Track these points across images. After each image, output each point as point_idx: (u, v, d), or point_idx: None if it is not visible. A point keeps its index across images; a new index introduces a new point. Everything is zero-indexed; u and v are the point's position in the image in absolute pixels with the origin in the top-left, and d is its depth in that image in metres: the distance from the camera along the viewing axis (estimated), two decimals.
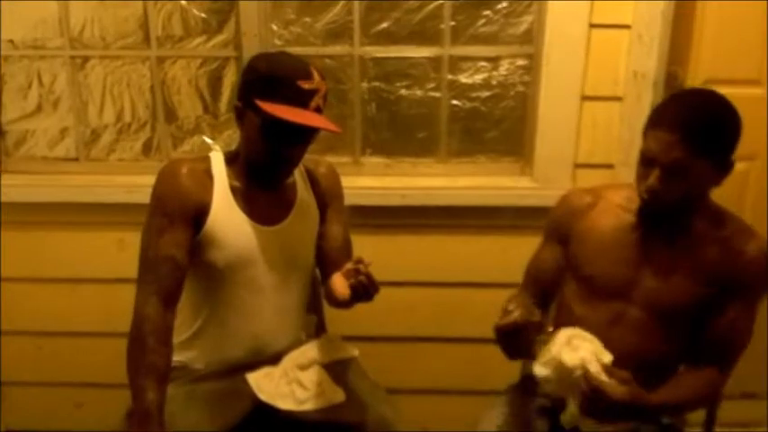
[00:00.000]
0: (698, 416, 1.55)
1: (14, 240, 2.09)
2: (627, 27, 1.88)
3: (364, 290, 1.26)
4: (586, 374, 1.24)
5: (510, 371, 1.58)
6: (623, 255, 1.41)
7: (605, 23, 1.88)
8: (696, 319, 1.38)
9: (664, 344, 1.40)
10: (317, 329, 1.73)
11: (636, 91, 1.91)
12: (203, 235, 1.41)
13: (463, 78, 2.03)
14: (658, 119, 1.29)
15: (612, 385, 1.23)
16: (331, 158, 1.74)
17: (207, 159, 1.47)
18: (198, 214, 1.40)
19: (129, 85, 2.07)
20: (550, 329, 1.30)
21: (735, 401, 1.79)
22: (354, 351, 1.57)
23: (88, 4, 1.99)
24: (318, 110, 1.37)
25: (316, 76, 1.36)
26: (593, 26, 1.88)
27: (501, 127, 2.07)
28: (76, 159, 2.13)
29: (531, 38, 1.97)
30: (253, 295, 1.48)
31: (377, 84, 2.05)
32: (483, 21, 1.98)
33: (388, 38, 2.00)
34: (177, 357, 1.43)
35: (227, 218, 1.43)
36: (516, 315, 1.22)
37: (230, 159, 1.48)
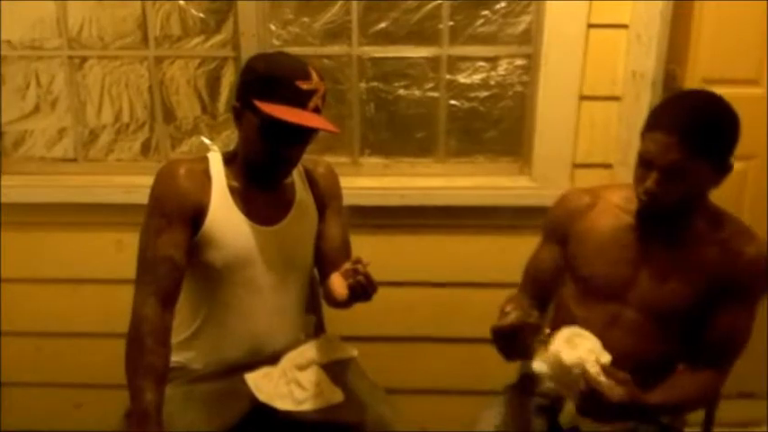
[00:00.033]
0: (697, 416, 1.55)
1: (13, 241, 2.09)
2: (625, 27, 1.88)
3: (362, 290, 1.26)
4: (585, 375, 1.24)
5: (509, 371, 1.58)
6: (622, 255, 1.41)
7: (603, 23, 1.88)
8: (694, 320, 1.38)
9: (661, 345, 1.40)
10: (316, 330, 1.73)
11: (634, 91, 1.91)
12: (201, 235, 1.41)
13: (461, 78, 2.03)
14: (656, 121, 1.28)
15: (610, 386, 1.23)
16: (330, 159, 1.74)
17: (205, 160, 1.47)
18: (196, 215, 1.40)
19: (127, 86, 2.07)
20: (547, 331, 1.30)
21: (733, 401, 1.80)
22: (353, 351, 1.57)
23: (86, 4, 1.99)
24: (317, 110, 1.37)
25: (314, 76, 1.36)
26: (591, 26, 1.88)
27: (499, 127, 2.07)
28: (75, 160, 2.13)
29: (530, 38, 1.97)
30: (251, 295, 1.48)
31: (375, 84, 2.05)
32: (481, 21, 1.98)
33: (387, 38, 2.00)
34: (175, 358, 1.43)
35: (226, 218, 1.43)
36: (513, 317, 1.22)
37: (228, 160, 1.48)
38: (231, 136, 2.07)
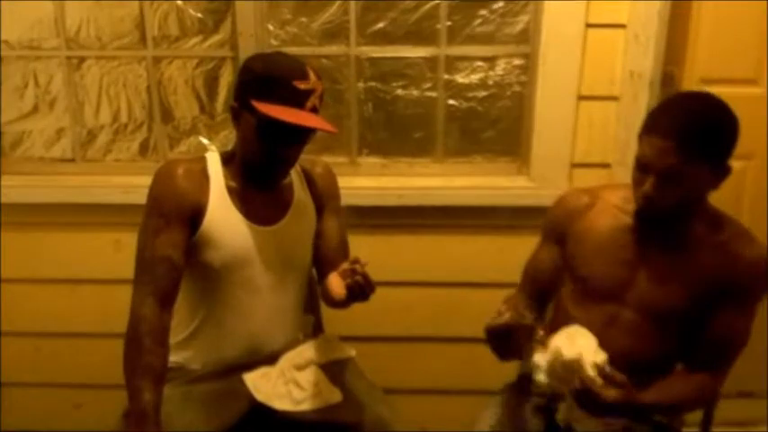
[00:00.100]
0: (695, 415, 1.55)
1: (12, 241, 2.09)
2: (623, 27, 1.88)
3: (360, 290, 1.26)
4: (581, 375, 1.24)
5: (507, 370, 1.58)
6: (620, 256, 1.40)
7: (601, 23, 1.88)
8: (692, 321, 1.37)
9: (659, 346, 1.40)
10: (314, 329, 1.73)
11: (632, 91, 1.91)
12: (200, 235, 1.41)
13: (460, 78, 2.03)
14: (653, 124, 1.27)
15: (606, 386, 1.23)
16: (328, 158, 1.74)
17: (203, 160, 1.47)
18: (194, 215, 1.40)
19: (125, 86, 2.07)
20: (542, 333, 1.31)
21: (733, 400, 1.80)
22: (351, 351, 1.57)
23: (84, 4, 1.99)
24: (315, 110, 1.37)
25: (312, 76, 1.36)
26: (589, 26, 1.88)
27: (497, 127, 2.07)
28: (73, 160, 2.13)
29: (528, 38, 1.97)
30: (249, 295, 1.48)
31: (373, 84, 2.05)
32: (479, 20, 1.98)
33: (385, 38, 2.00)
34: (174, 358, 1.43)
35: (224, 218, 1.43)
36: (507, 317, 1.22)
37: (227, 160, 1.48)
38: (229, 136, 2.07)
